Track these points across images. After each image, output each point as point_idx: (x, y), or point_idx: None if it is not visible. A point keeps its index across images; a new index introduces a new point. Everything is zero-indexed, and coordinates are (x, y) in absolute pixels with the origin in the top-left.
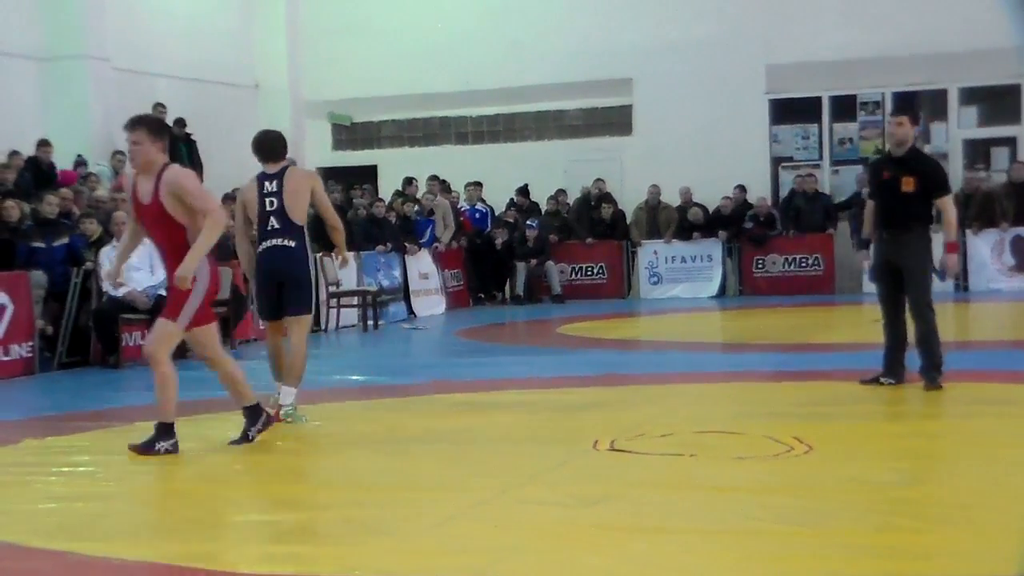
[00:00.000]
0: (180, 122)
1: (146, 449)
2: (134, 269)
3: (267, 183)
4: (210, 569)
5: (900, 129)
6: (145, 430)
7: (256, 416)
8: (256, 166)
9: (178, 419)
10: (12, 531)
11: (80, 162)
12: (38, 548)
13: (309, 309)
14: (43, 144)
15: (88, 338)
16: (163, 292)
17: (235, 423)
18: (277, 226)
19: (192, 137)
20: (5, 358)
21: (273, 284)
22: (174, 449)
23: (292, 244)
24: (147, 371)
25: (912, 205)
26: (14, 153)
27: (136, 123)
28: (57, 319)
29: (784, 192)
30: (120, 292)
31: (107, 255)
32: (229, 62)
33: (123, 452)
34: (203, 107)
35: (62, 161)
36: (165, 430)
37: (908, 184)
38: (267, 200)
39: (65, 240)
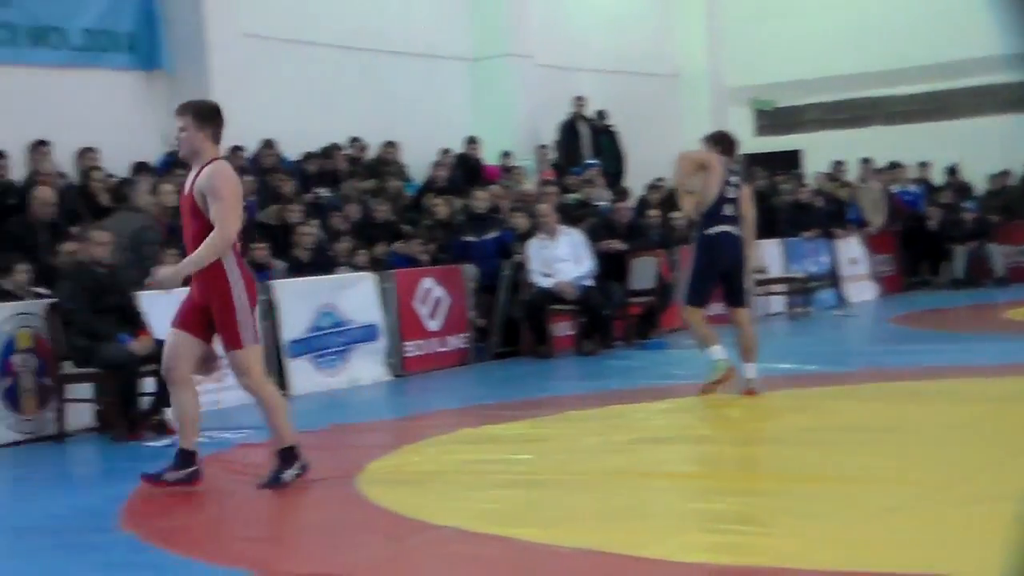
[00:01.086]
0: (601, 114)
1: (273, 482)
2: (560, 260)
3: (732, 175)
4: (645, 556)
5: None
6: (575, 419)
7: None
8: (665, 154)
9: (604, 407)
10: (455, 516)
11: (505, 155)
12: (480, 533)
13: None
14: (471, 141)
15: (519, 329)
16: (589, 282)
17: (651, 412)
18: (732, 214)
19: (613, 128)
20: (442, 349)
21: (721, 269)
22: (303, 472)
23: (740, 234)
24: (578, 360)
25: None
26: (445, 151)
27: (183, 109)
28: (488, 311)
29: None
30: (548, 283)
31: (535, 248)
32: (649, 52)
33: (555, 439)
34: (624, 98)
35: (491, 157)
36: (287, 456)
37: None
38: (730, 187)
39: (495, 234)
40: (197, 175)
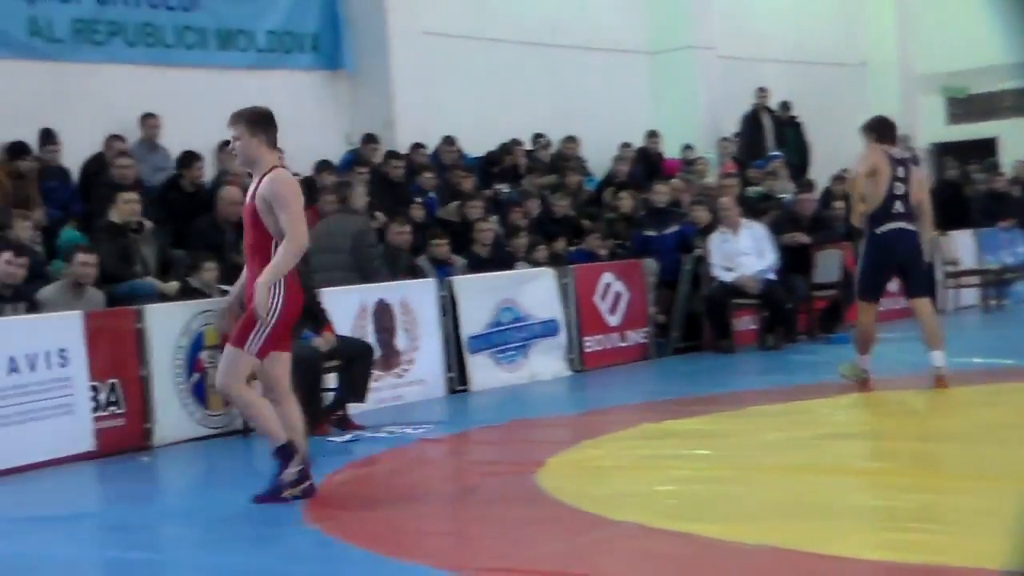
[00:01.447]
0: (785, 105)
1: (275, 493)
2: (742, 254)
3: (899, 168)
4: (828, 554)
5: None
6: (756, 414)
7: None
8: (852, 145)
9: (787, 403)
10: (635, 511)
11: (686, 148)
12: (660, 528)
13: (932, 292)
14: (651, 135)
15: (700, 324)
16: (772, 276)
17: (835, 407)
18: (903, 210)
19: (797, 120)
20: (622, 344)
21: (894, 266)
22: (303, 472)
23: (914, 229)
24: (760, 355)
25: None
26: (625, 145)
27: (236, 118)
28: (668, 306)
29: None
30: (730, 277)
31: (716, 241)
32: (835, 41)
33: (737, 435)
34: (808, 89)
35: (672, 151)
36: (284, 452)
37: None
38: (897, 183)
39: (676, 228)
40: (259, 184)
